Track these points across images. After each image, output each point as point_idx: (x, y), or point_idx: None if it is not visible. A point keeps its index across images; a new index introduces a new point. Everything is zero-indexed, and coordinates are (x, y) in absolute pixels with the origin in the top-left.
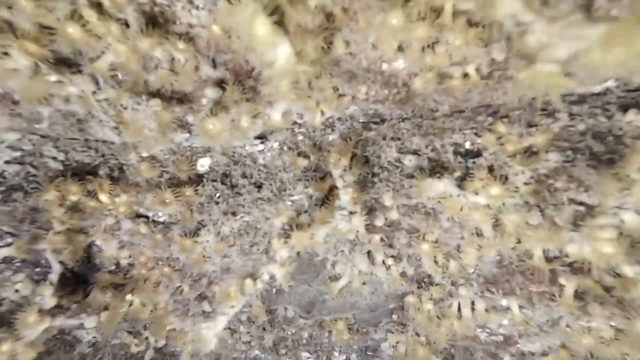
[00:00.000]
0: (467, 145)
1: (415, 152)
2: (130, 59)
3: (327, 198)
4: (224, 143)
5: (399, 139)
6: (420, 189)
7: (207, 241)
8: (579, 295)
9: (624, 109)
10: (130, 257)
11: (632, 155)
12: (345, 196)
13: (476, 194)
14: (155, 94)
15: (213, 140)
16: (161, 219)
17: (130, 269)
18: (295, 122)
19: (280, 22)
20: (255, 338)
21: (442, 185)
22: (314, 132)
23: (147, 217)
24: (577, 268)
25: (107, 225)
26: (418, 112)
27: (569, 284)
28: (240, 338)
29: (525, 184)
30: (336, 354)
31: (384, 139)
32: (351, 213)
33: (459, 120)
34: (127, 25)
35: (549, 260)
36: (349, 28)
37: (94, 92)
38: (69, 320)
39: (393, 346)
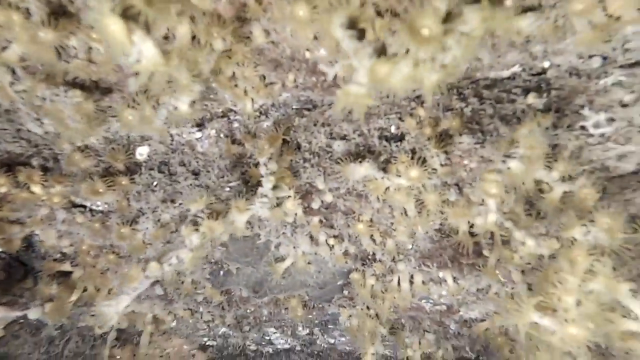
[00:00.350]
0: (392, 129)
1: (344, 138)
2: (38, 49)
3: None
4: (142, 132)
5: (329, 124)
6: (345, 174)
7: (147, 228)
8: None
9: (526, 92)
10: (71, 245)
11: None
12: (268, 184)
13: (398, 176)
14: (76, 85)
15: (132, 130)
16: (99, 208)
17: (75, 257)
18: (231, 110)
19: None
20: (217, 317)
21: (363, 170)
22: (248, 119)
23: (84, 206)
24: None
25: (43, 215)
26: None
27: (491, 256)
28: (201, 317)
29: (442, 165)
30: (300, 328)
31: (315, 124)
32: (281, 198)
33: (385, 105)
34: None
35: (472, 235)
36: (266, 18)
37: (12, 83)
38: (14, 312)
39: (346, 319)
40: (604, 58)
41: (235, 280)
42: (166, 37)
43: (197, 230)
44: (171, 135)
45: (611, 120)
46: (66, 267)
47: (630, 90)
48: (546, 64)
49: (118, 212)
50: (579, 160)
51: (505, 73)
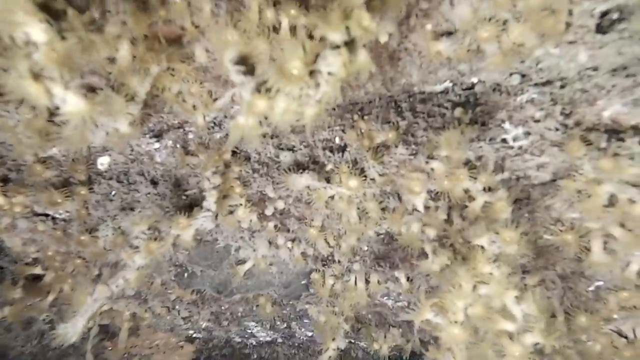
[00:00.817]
0: (337, 140)
1: (291, 149)
2: None
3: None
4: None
5: (277, 136)
6: (287, 184)
7: (107, 235)
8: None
9: (456, 106)
10: (38, 252)
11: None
12: (211, 198)
13: (339, 186)
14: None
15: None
16: (62, 216)
17: (45, 261)
18: (187, 121)
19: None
20: (194, 313)
21: (304, 180)
22: (202, 131)
23: (47, 215)
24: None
25: (7, 224)
26: None
27: (436, 259)
28: (179, 314)
29: (380, 175)
30: (278, 322)
31: (264, 136)
32: (233, 206)
33: (330, 117)
34: None
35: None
36: (205, 39)
37: None
38: None
39: (313, 316)
40: (523, 76)
41: (200, 282)
42: (110, 59)
43: (137, 252)
44: (131, 146)
45: (527, 134)
46: (37, 270)
47: (540, 107)
48: (474, 80)
49: (78, 221)
50: (503, 169)
51: (439, 88)
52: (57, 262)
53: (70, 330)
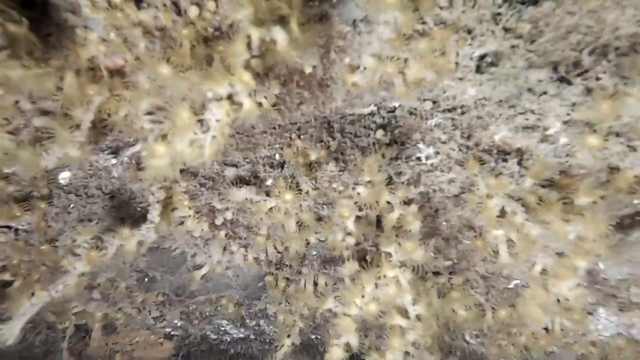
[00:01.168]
0: (277, 157)
1: (235, 165)
2: None
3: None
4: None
5: (222, 153)
6: (229, 197)
7: (66, 245)
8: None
9: (378, 127)
10: (4, 260)
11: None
12: (154, 211)
13: (277, 198)
14: None
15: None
16: (23, 227)
17: (11, 269)
18: (140, 139)
19: None
20: (165, 313)
21: (242, 193)
22: None
23: (9, 227)
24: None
25: None
26: (236, 129)
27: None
28: (149, 314)
29: (313, 189)
30: (248, 320)
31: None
32: (183, 217)
33: (272, 136)
34: None
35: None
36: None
37: None
38: None
39: (273, 315)
40: (434, 102)
41: (160, 286)
42: (58, 88)
43: (78, 259)
44: (90, 162)
45: (437, 153)
46: (6, 277)
47: (444, 130)
48: (396, 104)
49: (38, 232)
50: (420, 184)
51: (366, 110)
52: (23, 269)
53: (7, 332)
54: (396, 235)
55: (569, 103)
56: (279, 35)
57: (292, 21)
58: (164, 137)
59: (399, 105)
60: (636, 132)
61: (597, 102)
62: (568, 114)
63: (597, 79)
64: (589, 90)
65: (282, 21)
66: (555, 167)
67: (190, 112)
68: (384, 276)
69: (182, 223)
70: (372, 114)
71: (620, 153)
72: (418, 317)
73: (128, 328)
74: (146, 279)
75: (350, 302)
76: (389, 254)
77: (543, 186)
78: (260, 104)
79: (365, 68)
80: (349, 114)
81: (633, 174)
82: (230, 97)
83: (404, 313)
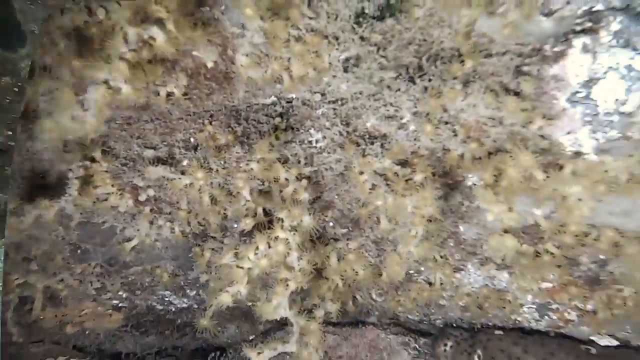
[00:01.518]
0: (192, 140)
1: (154, 147)
2: None
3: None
4: None
5: (142, 137)
6: (147, 175)
7: None
8: None
9: (277, 115)
10: None
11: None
12: (73, 186)
13: (190, 176)
14: None
15: None
16: None
17: None
18: None
19: None
20: (106, 284)
21: (160, 171)
22: None
23: None
24: None
25: None
26: (156, 116)
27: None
28: (91, 285)
29: (223, 168)
30: (188, 290)
31: (132, 137)
32: (107, 194)
33: (187, 122)
34: None
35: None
36: None
37: None
38: None
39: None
40: (322, 94)
41: (94, 257)
42: None
43: None
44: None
45: (324, 137)
46: None
47: (328, 119)
48: (293, 95)
49: None
50: (312, 163)
51: (268, 101)
52: None
53: None
54: (288, 204)
55: (414, 98)
56: (156, 34)
57: (168, 23)
58: (49, 114)
59: (295, 97)
60: (458, 121)
61: (429, 98)
62: (415, 107)
63: (429, 80)
64: (426, 89)
65: (160, 22)
66: (407, 149)
67: (71, 93)
68: (276, 237)
69: (106, 199)
70: (273, 104)
71: (448, 138)
72: (300, 270)
73: (74, 300)
74: (79, 251)
75: (244, 256)
76: (281, 219)
77: (399, 164)
78: (171, 93)
79: (241, 65)
80: (255, 104)
81: (457, 154)
82: (106, 82)
83: (291, 269)
